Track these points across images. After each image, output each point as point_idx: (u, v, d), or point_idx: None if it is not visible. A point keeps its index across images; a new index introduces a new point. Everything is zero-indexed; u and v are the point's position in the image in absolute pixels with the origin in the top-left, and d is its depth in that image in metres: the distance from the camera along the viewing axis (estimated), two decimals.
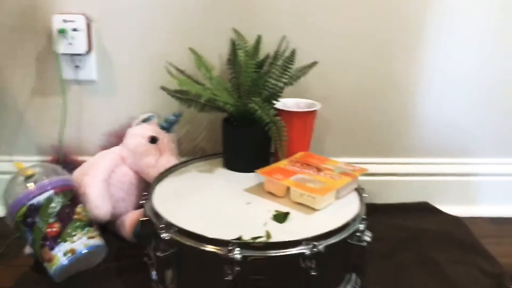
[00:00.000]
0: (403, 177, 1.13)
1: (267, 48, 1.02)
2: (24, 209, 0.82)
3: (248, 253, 0.67)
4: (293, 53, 1.00)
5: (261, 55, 1.02)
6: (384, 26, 1.03)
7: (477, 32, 1.04)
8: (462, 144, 1.12)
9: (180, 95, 0.94)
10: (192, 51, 1.00)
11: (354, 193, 0.86)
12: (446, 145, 1.12)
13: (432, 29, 1.03)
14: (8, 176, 0.88)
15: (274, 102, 0.94)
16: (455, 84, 1.08)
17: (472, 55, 1.06)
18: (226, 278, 0.66)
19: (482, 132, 1.11)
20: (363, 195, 0.83)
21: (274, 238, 0.70)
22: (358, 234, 0.74)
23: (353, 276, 0.78)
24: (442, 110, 1.09)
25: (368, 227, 0.76)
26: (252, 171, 0.90)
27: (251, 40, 1.02)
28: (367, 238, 0.75)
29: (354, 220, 0.75)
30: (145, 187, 0.97)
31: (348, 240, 0.73)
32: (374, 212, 0.92)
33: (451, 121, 1.10)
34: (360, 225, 0.75)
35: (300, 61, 1.00)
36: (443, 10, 1.02)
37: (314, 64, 1.00)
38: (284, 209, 0.79)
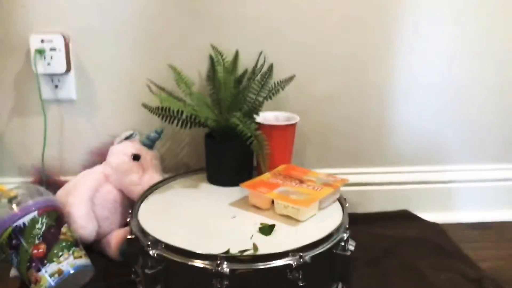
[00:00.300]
0: (382, 186, 1.15)
1: (245, 63, 1.04)
2: (8, 231, 0.81)
3: (236, 266, 0.68)
4: (270, 67, 1.02)
5: (240, 70, 1.04)
6: (357, 39, 1.06)
7: (453, 41, 1.08)
8: (439, 151, 1.15)
9: (161, 112, 0.95)
10: (172, 67, 1.02)
11: (336, 203, 0.87)
12: (424, 153, 1.15)
13: (405, 40, 1.07)
14: None
15: (255, 116, 0.96)
16: (431, 93, 1.11)
17: (449, 65, 1.09)
18: None
19: (458, 140, 1.15)
20: (345, 205, 0.85)
21: (261, 251, 0.71)
22: (342, 243, 0.75)
23: (340, 285, 0.79)
24: (418, 118, 1.12)
25: (351, 237, 0.78)
26: (236, 185, 0.91)
27: (229, 56, 1.04)
28: (351, 247, 0.76)
29: (337, 230, 0.76)
30: (130, 205, 0.98)
31: (333, 250, 0.74)
32: (356, 222, 0.93)
33: (428, 130, 1.13)
34: (343, 235, 0.76)
35: (277, 75, 1.02)
36: (414, 20, 1.06)
37: (291, 78, 1.02)
38: (269, 221, 0.80)
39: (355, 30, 1.06)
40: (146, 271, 0.71)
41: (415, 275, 0.90)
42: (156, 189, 0.94)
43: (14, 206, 0.82)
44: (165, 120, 0.95)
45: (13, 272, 0.86)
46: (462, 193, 1.17)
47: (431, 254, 0.96)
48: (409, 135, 1.14)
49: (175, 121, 0.95)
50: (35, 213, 0.82)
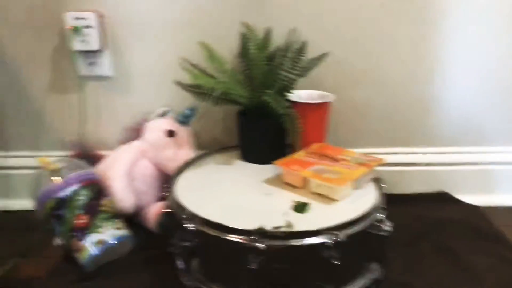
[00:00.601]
0: (420, 167, 1.13)
1: (278, 40, 1.03)
2: (52, 202, 0.84)
3: (271, 242, 0.69)
4: (303, 45, 1.01)
5: (272, 47, 1.03)
6: (395, 16, 1.04)
7: (496, 22, 1.04)
8: (480, 132, 1.12)
9: (194, 89, 0.95)
10: (203, 45, 1.02)
11: (372, 183, 0.87)
12: (464, 134, 1.12)
13: (447, 18, 1.04)
14: (33, 171, 0.91)
15: (287, 94, 0.96)
16: (472, 73, 1.08)
17: (487, 45, 1.06)
18: (250, 266, 0.68)
19: (500, 121, 1.11)
20: (381, 185, 0.85)
21: (295, 228, 0.72)
22: (378, 223, 0.75)
23: (374, 265, 0.80)
24: (459, 98, 1.10)
25: (387, 217, 0.77)
26: (269, 163, 0.92)
27: (261, 33, 1.03)
28: (387, 228, 0.76)
29: (373, 209, 0.76)
30: (166, 179, 1.00)
31: (368, 230, 0.74)
32: (392, 202, 0.91)
33: (468, 110, 1.11)
34: (379, 215, 0.76)
35: (311, 53, 1.01)
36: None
37: (325, 55, 1.00)
38: (303, 199, 0.81)
39: (393, 7, 1.03)
40: (183, 244, 0.74)
41: (451, 257, 0.89)
42: (191, 165, 0.96)
43: (57, 178, 0.86)
44: (198, 97, 0.96)
45: (57, 241, 0.90)
46: (503, 176, 1.14)
47: (469, 237, 0.95)
48: (449, 116, 1.11)
49: (208, 98, 0.95)
50: (77, 185, 0.86)
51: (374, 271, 0.80)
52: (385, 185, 0.85)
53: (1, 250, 0.94)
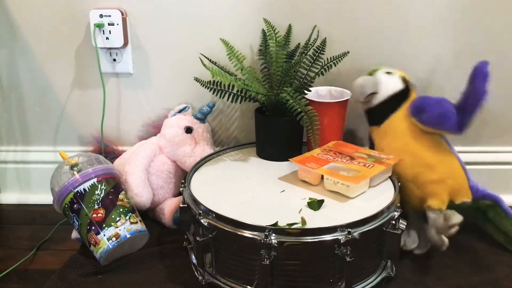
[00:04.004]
0: None
1: (298, 37, 1.03)
2: (70, 196, 0.86)
3: (284, 238, 0.69)
4: (324, 42, 1.00)
5: (292, 45, 1.03)
6: (421, 11, 1.01)
7: None
8: (502, 131, 1.09)
9: (213, 86, 0.96)
10: (224, 42, 1.02)
11: (388, 181, 0.86)
12: (486, 133, 1.09)
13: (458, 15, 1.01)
14: (53, 166, 0.93)
15: (306, 91, 0.95)
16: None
17: None
18: (263, 262, 0.69)
19: None
20: (398, 183, 0.83)
21: (309, 225, 0.72)
22: (392, 221, 0.74)
23: (388, 263, 0.79)
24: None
25: (402, 216, 0.77)
26: (285, 160, 0.93)
27: (282, 30, 1.03)
28: (402, 226, 0.76)
29: (388, 208, 0.75)
30: (183, 175, 1.02)
31: (383, 228, 0.73)
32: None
33: (488, 109, 1.06)
34: (394, 213, 0.75)
35: (331, 50, 1.00)
36: None
37: (345, 54, 0.99)
38: (318, 197, 0.80)
39: (415, 3, 1.01)
40: (197, 238, 0.74)
41: (469, 258, 0.87)
42: (208, 161, 0.97)
43: (75, 172, 0.88)
44: (217, 94, 0.96)
45: (74, 234, 0.92)
46: None
47: (490, 238, 0.92)
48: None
49: (226, 95, 0.96)
50: (95, 179, 0.87)
51: (389, 269, 0.79)
52: (400, 183, 0.83)
53: (19, 242, 0.97)
